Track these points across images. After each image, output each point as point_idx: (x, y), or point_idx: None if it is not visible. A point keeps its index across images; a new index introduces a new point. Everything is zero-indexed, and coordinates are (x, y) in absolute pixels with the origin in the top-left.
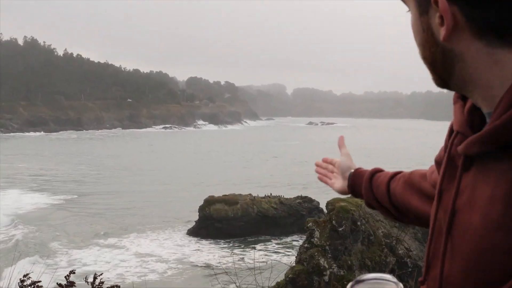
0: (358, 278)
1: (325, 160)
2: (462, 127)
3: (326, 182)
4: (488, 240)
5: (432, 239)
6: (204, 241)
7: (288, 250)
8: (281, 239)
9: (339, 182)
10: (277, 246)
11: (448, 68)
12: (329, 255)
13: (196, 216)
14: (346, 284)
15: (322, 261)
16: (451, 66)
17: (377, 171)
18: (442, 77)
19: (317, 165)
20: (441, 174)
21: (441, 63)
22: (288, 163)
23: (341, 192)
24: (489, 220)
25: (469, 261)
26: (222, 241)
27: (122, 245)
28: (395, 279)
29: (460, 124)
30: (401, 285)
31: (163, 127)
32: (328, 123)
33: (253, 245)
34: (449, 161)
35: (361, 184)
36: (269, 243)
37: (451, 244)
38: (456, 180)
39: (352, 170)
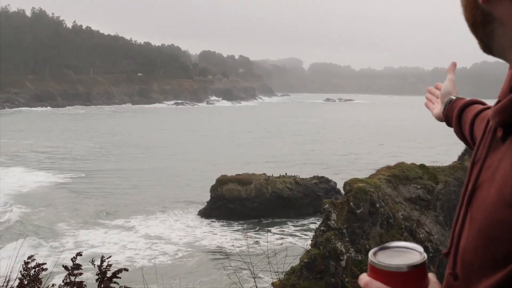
0: (383, 245)
1: (436, 86)
2: (502, 95)
3: (428, 107)
4: (498, 216)
5: (460, 212)
6: (216, 223)
7: (304, 232)
8: (297, 221)
9: (438, 108)
10: (293, 228)
11: (489, 32)
12: (346, 239)
13: (207, 197)
14: (365, 270)
15: (339, 245)
16: (491, 30)
17: (468, 104)
18: (484, 42)
19: (428, 90)
20: (476, 145)
21: (482, 26)
22: (305, 141)
23: (438, 118)
24: (502, 196)
25: (479, 236)
26: (235, 223)
27: (131, 226)
28: (420, 249)
29: (502, 91)
30: (425, 255)
31: (175, 103)
32: (346, 100)
33: (268, 228)
34: (486, 132)
35: (452, 118)
36: (285, 225)
37: (470, 217)
38: (485, 152)
39: (452, 97)
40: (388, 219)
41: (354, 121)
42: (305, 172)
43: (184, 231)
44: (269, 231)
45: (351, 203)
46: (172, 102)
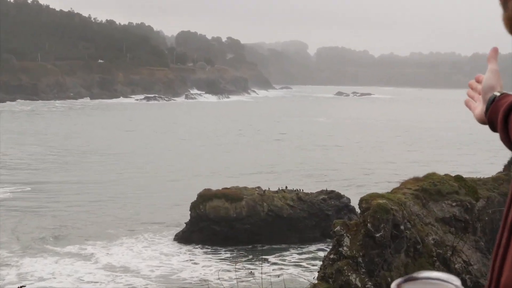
0: (409, 275)
1: (476, 79)
2: None
3: (468, 106)
4: None
5: (501, 238)
6: (198, 250)
7: (310, 262)
8: (301, 247)
9: (479, 107)
10: (296, 257)
11: None
12: (363, 270)
13: (187, 216)
14: None
15: (353, 277)
16: None
17: None
18: None
19: (469, 85)
20: None
21: None
22: (310, 146)
23: (479, 120)
24: None
25: None
26: (222, 249)
27: (88, 253)
28: (456, 281)
29: None
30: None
31: (145, 98)
32: (362, 94)
33: (263, 256)
34: None
35: (496, 121)
36: (286, 253)
37: None
38: None
39: (495, 94)
40: (415, 245)
41: (372, 121)
42: (310, 186)
43: (157, 260)
44: (265, 260)
45: (368, 225)
46: (142, 96)
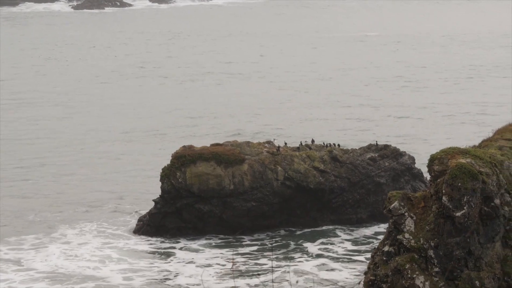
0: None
1: None
2: None
3: None
4: None
5: None
6: (174, 244)
7: (351, 256)
8: (336, 236)
9: None
10: (330, 249)
11: None
12: (435, 269)
13: (155, 191)
14: None
15: (420, 281)
16: None
17: None
18: None
19: None
20: None
21: None
22: (347, 78)
23: None
24: None
25: None
26: (213, 241)
27: (15, 258)
28: None
29: None
30: None
31: (75, 4)
32: None
33: (273, 249)
34: None
35: None
36: (313, 244)
37: None
38: None
39: None
40: None
41: (448, 34)
42: (350, 139)
43: (111, 263)
44: (280, 256)
45: (444, 198)
46: (71, 2)
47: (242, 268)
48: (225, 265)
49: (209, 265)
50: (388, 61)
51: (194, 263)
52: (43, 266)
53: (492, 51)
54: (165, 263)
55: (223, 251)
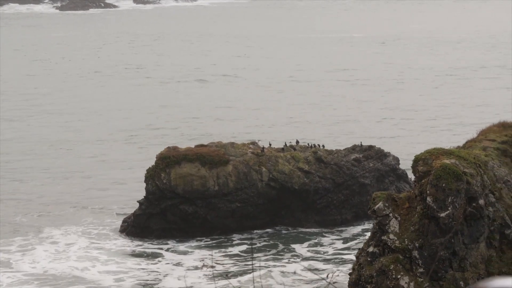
0: (487, 282)
1: None
2: None
3: None
4: None
5: None
6: (159, 246)
7: (336, 256)
8: (321, 237)
9: None
10: (314, 250)
11: None
12: (420, 269)
13: (140, 193)
14: None
15: (405, 281)
16: None
17: None
18: None
19: None
20: None
21: None
22: (339, 79)
23: None
24: None
25: None
26: (198, 242)
27: (5, 259)
28: None
29: None
30: None
31: (59, 5)
32: None
33: (257, 246)
34: None
35: None
36: (298, 245)
37: None
38: None
39: None
40: (502, 230)
41: (444, 33)
42: (334, 141)
43: (98, 266)
44: (263, 258)
45: (428, 199)
46: (55, 3)
47: (223, 268)
48: (214, 266)
49: (196, 267)
50: (372, 62)
51: (181, 265)
52: (31, 268)
53: (479, 51)
54: (153, 264)
55: (210, 252)
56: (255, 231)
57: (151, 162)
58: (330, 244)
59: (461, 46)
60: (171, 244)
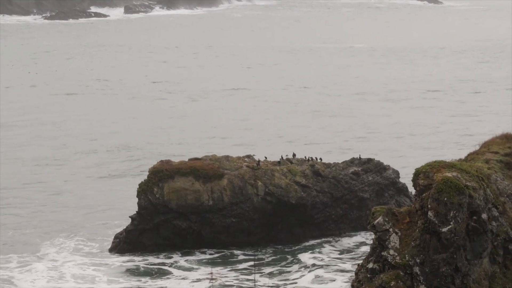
0: None
1: None
2: None
3: None
4: None
5: None
6: (152, 261)
7: (333, 273)
8: (319, 252)
9: None
10: (313, 264)
11: None
12: (421, 286)
13: (131, 207)
14: None
15: None
16: None
17: None
18: None
19: None
20: None
21: None
22: (338, 93)
23: None
24: None
25: None
26: (192, 257)
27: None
28: None
29: None
30: None
31: (46, 16)
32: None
33: (257, 263)
34: None
35: None
36: (295, 260)
37: None
38: None
39: None
40: (506, 245)
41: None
42: (332, 155)
43: (96, 280)
44: (261, 273)
45: (430, 213)
46: (44, 14)
47: (222, 282)
48: (215, 279)
49: (198, 280)
50: (371, 75)
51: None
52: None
53: (480, 64)
54: (145, 281)
55: (202, 269)
56: (252, 247)
57: (143, 176)
58: (323, 261)
59: (463, 56)
60: (162, 259)
